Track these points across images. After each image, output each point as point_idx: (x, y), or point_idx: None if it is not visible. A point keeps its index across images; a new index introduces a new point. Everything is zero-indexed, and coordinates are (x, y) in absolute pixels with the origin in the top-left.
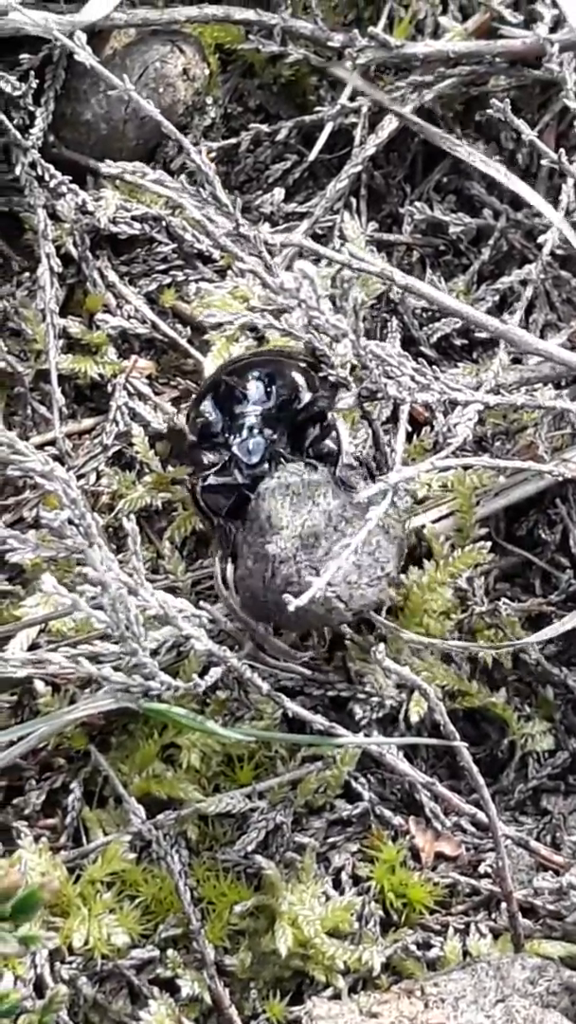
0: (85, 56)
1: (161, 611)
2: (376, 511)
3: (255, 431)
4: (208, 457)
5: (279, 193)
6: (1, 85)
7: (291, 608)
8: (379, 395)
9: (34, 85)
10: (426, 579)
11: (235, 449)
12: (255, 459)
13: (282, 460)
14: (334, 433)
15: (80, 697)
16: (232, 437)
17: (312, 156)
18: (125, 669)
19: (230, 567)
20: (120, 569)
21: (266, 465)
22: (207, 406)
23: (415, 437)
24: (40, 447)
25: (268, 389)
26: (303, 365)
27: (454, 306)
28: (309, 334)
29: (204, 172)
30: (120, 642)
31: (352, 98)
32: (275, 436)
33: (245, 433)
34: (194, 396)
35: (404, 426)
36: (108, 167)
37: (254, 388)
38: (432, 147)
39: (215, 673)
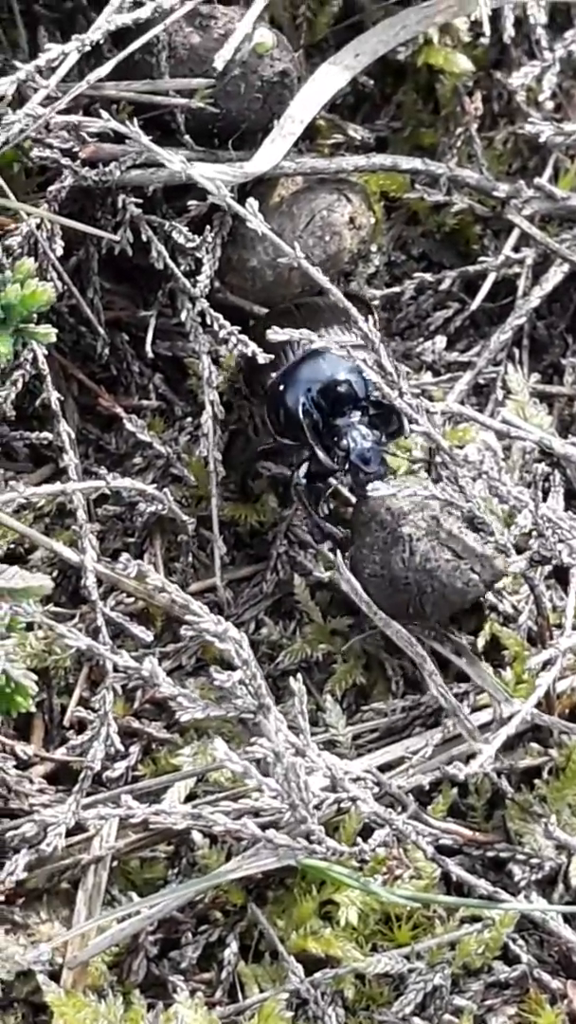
0: (257, 224)
1: (328, 773)
2: (546, 678)
3: (367, 437)
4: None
5: (441, 341)
6: (174, 236)
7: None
8: (552, 560)
9: (209, 239)
10: None
11: (353, 458)
12: (373, 467)
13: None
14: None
15: (237, 848)
16: (339, 439)
17: (475, 305)
18: (287, 829)
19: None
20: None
21: (381, 469)
22: (305, 399)
23: None
24: (199, 594)
25: (365, 388)
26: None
27: None
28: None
29: (371, 340)
30: (290, 809)
31: (516, 248)
32: (381, 439)
33: (358, 438)
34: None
35: (575, 591)
36: (275, 335)
37: (357, 386)
38: None
39: (379, 836)
